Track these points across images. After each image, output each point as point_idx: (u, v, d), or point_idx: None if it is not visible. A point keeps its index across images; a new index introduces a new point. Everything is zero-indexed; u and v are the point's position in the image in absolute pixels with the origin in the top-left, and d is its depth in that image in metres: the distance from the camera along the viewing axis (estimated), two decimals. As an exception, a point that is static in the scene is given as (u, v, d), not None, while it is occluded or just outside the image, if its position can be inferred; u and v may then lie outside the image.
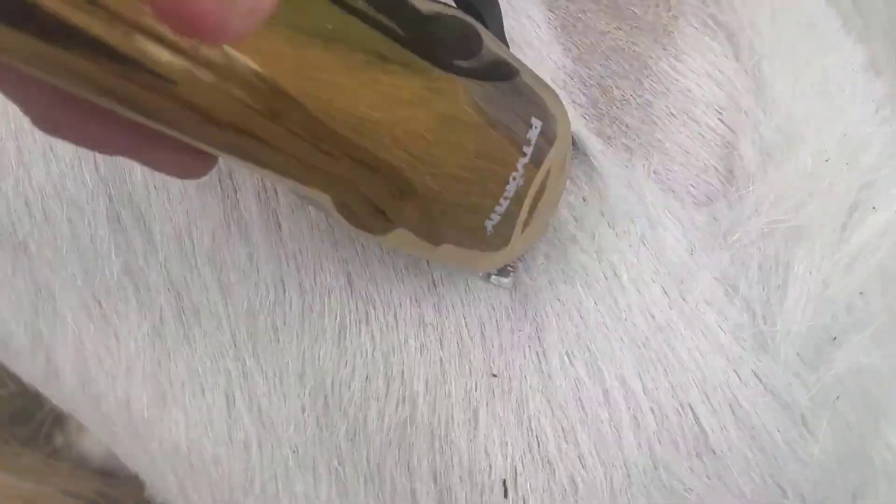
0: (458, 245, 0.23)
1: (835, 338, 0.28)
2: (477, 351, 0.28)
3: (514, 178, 0.22)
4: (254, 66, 0.17)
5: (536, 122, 0.22)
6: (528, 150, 0.22)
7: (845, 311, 0.28)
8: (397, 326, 0.28)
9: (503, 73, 0.22)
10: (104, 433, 0.35)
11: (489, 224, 0.23)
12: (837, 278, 0.28)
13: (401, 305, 0.28)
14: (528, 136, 0.22)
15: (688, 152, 0.28)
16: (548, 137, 0.23)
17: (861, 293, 0.28)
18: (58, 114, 0.17)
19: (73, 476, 0.44)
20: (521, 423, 0.28)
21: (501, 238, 0.24)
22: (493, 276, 0.28)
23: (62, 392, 0.34)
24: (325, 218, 0.28)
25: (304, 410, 0.30)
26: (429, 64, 0.20)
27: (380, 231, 0.22)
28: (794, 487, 0.28)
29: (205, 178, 0.28)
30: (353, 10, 0.19)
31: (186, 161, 0.19)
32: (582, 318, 0.28)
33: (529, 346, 0.28)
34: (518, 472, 0.28)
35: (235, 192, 0.28)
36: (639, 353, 0.28)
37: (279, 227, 0.29)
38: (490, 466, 0.28)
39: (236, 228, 0.29)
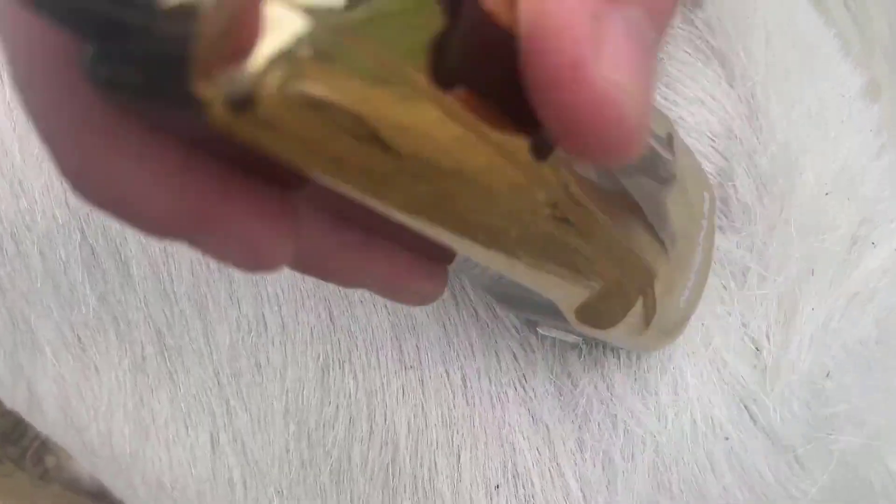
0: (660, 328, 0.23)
1: (828, 373, 0.27)
2: (458, 396, 0.27)
3: (699, 250, 0.23)
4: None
5: (705, 195, 0.24)
6: (703, 222, 0.24)
7: (842, 349, 0.27)
8: (379, 367, 0.28)
9: None
10: (88, 464, 0.35)
11: (682, 299, 0.24)
12: (837, 316, 0.27)
13: (382, 346, 0.28)
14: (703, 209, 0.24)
15: None
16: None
17: (858, 330, 0.27)
18: (323, 244, 0.16)
19: (64, 498, 0.44)
20: (507, 470, 0.27)
21: (683, 318, 0.24)
22: (572, 338, 0.27)
23: (45, 423, 0.34)
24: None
25: (288, 450, 0.29)
26: None
27: (610, 325, 0.21)
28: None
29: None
30: None
31: (425, 289, 0.18)
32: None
33: (516, 388, 0.27)
34: (505, 516, 0.27)
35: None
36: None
37: (259, 262, 0.28)
38: (476, 511, 0.27)
39: (215, 263, 0.28)
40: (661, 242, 0.21)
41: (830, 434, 0.27)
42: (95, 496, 0.44)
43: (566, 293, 0.19)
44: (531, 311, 0.22)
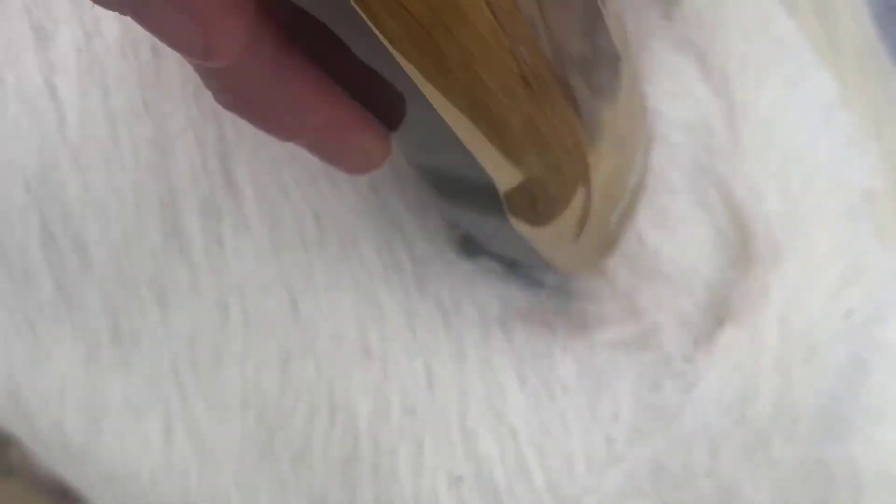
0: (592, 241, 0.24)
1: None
2: (421, 383, 0.28)
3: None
4: None
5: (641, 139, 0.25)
6: (639, 156, 0.25)
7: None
8: (342, 356, 0.28)
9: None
10: (42, 453, 0.35)
11: (614, 215, 0.24)
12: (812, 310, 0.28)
13: (345, 334, 0.28)
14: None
15: (660, 174, 0.28)
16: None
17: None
18: (251, 74, 0.15)
19: (28, 494, 0.43)
20: (469, 456, 0.28)
21: (614, 234, 0.26)
22: (545, 294, 0.28)
23: (-4, 412, 0.34)
24: (269, 239, 0.28)
25: (246, 439, 0.30)
26: None
27: (546, 220, 0.21)
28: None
29: (143, 198, 0.28)
30: None
31: (370, 146, 0.18)
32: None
33: (481, 380, 0.28)
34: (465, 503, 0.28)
35: (176, 212, 0.28)
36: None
37: (222, 249, 0.28)
38: (436, 500, 0.28)
39: (177, 250, 0.29)
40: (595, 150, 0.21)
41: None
42: (61, 495, 0.43)
43: (502, 167, 0.18)
44: (466, 201, 0.22)
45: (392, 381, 0.28)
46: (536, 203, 0.20)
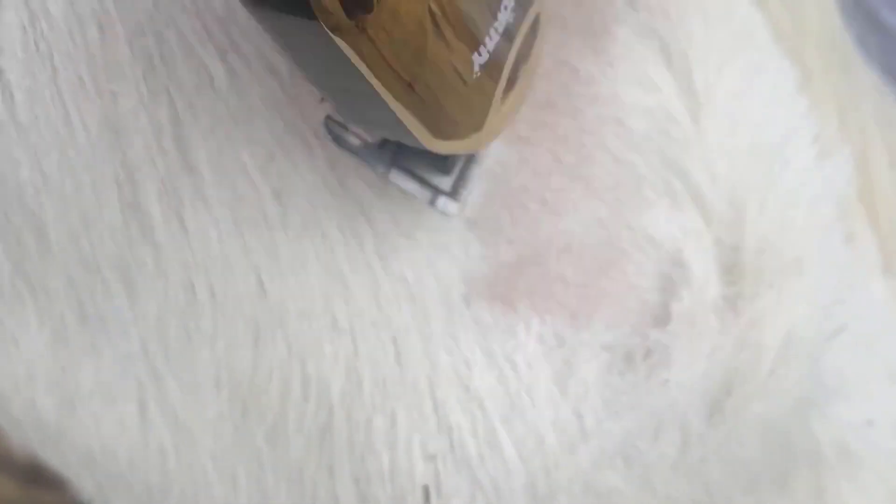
0: (435, 93, 0.20)
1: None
2: (390, 356, 0.29)
3: (505, 7, 0.20)
4: None
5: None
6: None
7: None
8: (311, 332, 0.29)
9: None
10: (18, 435, 0.36)
11: (477, 62, 0.20)
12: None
13: (313, 310, 0.29)
14: None
15: (618, 160, 0.29)
16: None
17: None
18: None
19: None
20: (441, 427, 0.29)
21: (483, 93, 0.21)
22: (441, 200, 0.26)
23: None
24: (232, 219, 0.28)
25: (221, 417, 0.30)
26: None
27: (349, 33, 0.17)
28: (719, 484, 0.30)
29: (99, 179, 0.28)
30: None
31: None
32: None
33: (447, 353, 0.29)
34: (440, 474, 0.29)
35: (134, 193, 0.28)
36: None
37: (185, 230, 0.29)
38: (411, 471, 0.29)
39: (138, 231, 0.29)
40: None
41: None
42: (31, 478, 0.44)
43: None
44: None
45: (362, 355, 0.29)
46: None
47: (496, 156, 0.29)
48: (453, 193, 0.27)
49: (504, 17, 0.20)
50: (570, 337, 0.29)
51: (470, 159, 0.27)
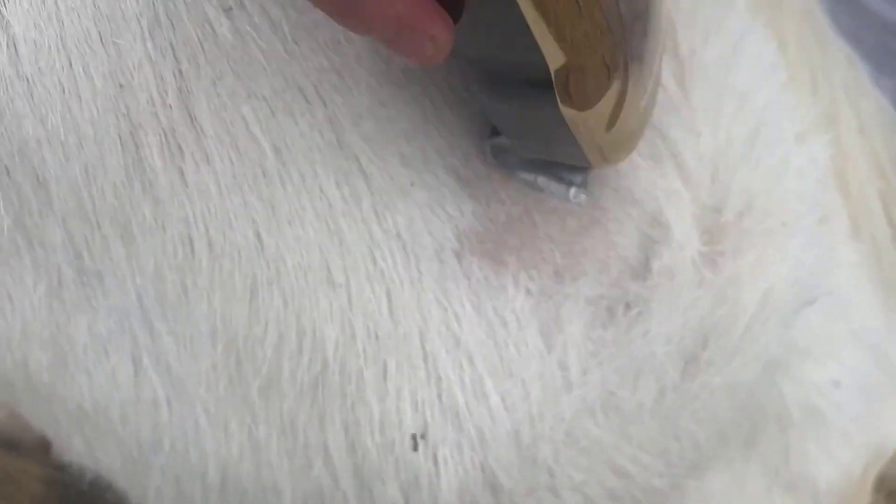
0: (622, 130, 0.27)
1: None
2: (383, 309, 0.30)
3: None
4: None
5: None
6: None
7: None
8: (308, 286, 0.30)
9: None
10: (5, 394, 0.36)
11: (642, 103, 0.27)
12: None
13: (310, 264, 0.30)
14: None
15: None
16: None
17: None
18: None
19: None
20: (430, 378, 0.31)
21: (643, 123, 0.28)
22: (573, 191, 0.30)
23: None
24: (231, 173, 0.30)
25: (215, 369, 0.32)
26: None
27: (589, 103, 0.25)
28: (690, 435, 0.32)
29: (102, 133, 0.29)
30: None
31: (441, 36, 0.22)
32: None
33: (438, 306, 0.30)
34: (428, 424, 0.31)
35: (137, 147, 0.29)
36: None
37: (185, 184, 0.30)
38: (400, 421, 0.31)
39: (139, 185, 0.30)
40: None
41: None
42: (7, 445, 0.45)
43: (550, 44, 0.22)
44: (516, 93, 0.26)
45: (356, 308, 0.30)
46: (582, 88, 0.24)
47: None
48: (582, 185, 0.31)
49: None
50: (556, 291, 0.31)
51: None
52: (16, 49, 0.29)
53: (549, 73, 0.23)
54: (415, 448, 0.31)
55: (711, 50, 0.30)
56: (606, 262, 0.31)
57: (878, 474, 0.42)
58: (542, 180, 0.30)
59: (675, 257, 0.30)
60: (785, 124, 0.31)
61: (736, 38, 0.31)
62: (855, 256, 0.38)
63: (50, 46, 0.29)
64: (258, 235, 0.30)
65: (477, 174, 0.31)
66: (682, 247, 0.30)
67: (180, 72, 0.29)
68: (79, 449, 0.37)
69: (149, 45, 0.29)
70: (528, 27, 0.21)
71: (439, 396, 0.30)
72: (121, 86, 0.29)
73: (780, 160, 0.31)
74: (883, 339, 0.40)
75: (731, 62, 0.30)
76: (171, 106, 0.29)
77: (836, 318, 0.38)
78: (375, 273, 0.30)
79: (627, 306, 0.31)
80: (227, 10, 0.29)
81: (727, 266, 0.30)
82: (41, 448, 0.40)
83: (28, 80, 0.29)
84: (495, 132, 0.30)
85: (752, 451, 0.38)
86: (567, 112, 0.24)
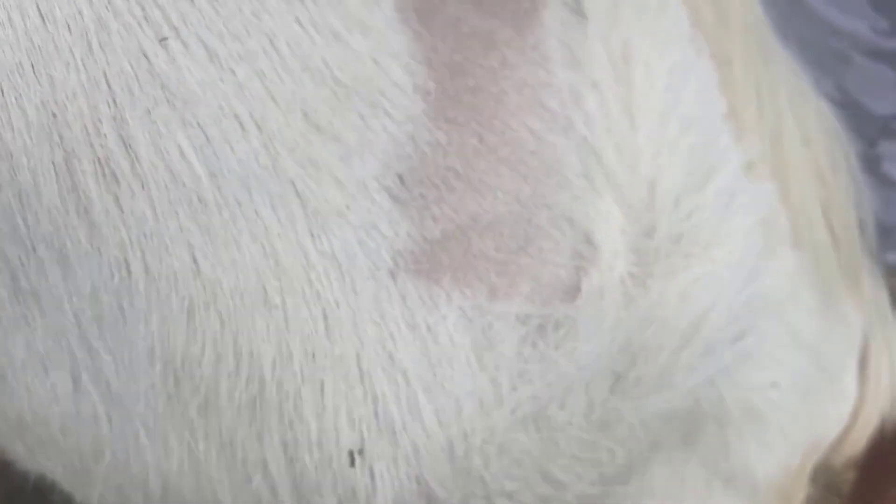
0: None
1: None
2: (320, 330, 0.33)
3: None
4: None
5: None
6: None
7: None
8: (244, 308, 0.33)
9: None
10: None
11: None
12: None
13: (246, 287, 0.33)
14: None
15: (542, 141, 0.33)
16: None
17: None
18: None
19: None
20: (367, 396, 0.33)
21: None
22: None
23: None
24: (167, 199, 0.32)
25: (154, 387, 0.34)
26: None
27: None
28: (621, 445, 0.36)
29: (37, 163, 0.31)
30: None
31: None
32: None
33: (374, 325, 0.33)
34: (365, 440, 0.34)
35: (71, 174, 0.31)
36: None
37: (121, 209, 0.32)
38: (338, 437, 0.34)
39: (74, 211, 0.32)
40: None
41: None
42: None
43: None
44: None
45: (293, 329, 0.33)
46: None
47: (423, 137, 0.33)
48: None
49: None
50: (489, 309, 0.34)
51: None
52: (-55, 77, 0.30)
53: None
54: (352, 464, 0.33)
55: (661, 76, 0.33)
56: (540, 281, 0.34)
57: (814, 466, 0.46)
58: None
59: (604, 277, 0.33)
60: (730, 155, 0.34)
61: (685, 64, 0.33)
62: (794, 262, 0.41)
63: (-20, 76, 0.30)
64: (194, 259, 0.32)
65: (411, 195, 0.33)
66: (611, 267, 0.33)
67: (114, 101, 0.31)
68: (21, 454, 0.39)
69: (82, 75, 0.30)
70: None
71: (375, 414, 0.33)
72: (54, 115, 0.31)
73: (722, 190, 0.34)
74: (820, 339, 0.43)
75: (676, 89, 0.33)
76: (105, 135, 0.31)
77: (775, 324, 0.41)
78: (311, 294, 0.33)
79: (557, 325, 0.34)
80: (163, 41, 0.30)
81: (655, 288, 0.33)
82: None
83: (-43, 107, 0.31)
84: None
85: (691, 447, 0.41)
86: None
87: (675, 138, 0.33)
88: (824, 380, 0.45)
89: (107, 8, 0.30)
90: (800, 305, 0.44)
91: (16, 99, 0.30)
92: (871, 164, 0.57)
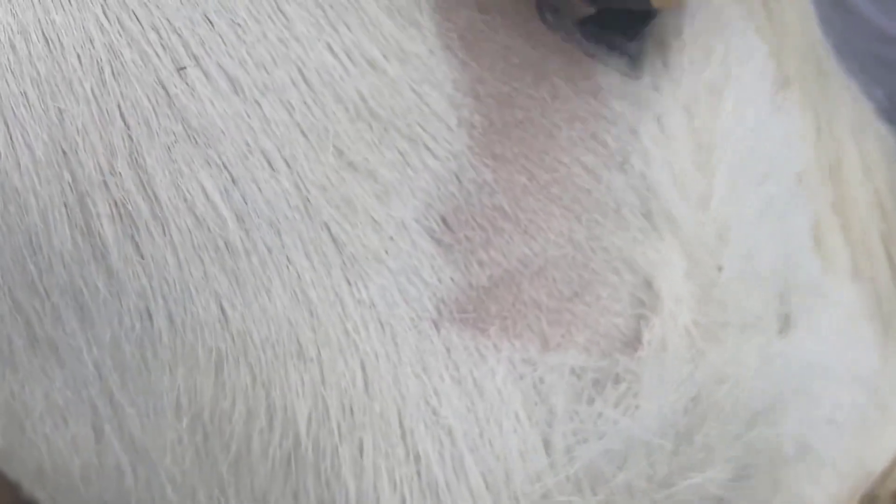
0: None
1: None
2: (358, 384, 0.29)
3: None
4: None
5: None
6: None
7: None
8: (276, 359, 0.29)
9: None
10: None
11: None
12: None
13: (279, 338, 0.28)
14: None
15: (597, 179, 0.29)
16: None
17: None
18: None
19: None
20: (409, 455, 0.29)
21: None
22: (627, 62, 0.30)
23: None
24: (191, 244, 0.27)
25: (181, 441, 0.30)
26: None
27: None
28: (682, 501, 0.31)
29: (47, 204, 0.27)
30: None
31: None
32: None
33: (416, 379, 0.29)
34: (406, 502, 0.30)
35: (87, 217, 0.27)
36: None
37: (140, 254, 0.28)
38: (378, 499, 0.29)
39: (90, 254, 0.28)
40: None
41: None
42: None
43: None
44: None
45: (329, 383, 0.29)
46: None
47: (468, 175, 0.29)
48: (637, 54, 0.29)
49: None
50: (541, 362, 0.29)
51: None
52: (-52, 112, 0.26)
53: None
54: (393, 527, 0.29)
55: (725, 112, 0.28)
56: (596, 330, 0.29)
57: (863, 494, 0.42)
58: (595, 47, 0.29)
59: (667, 327, 0.29)
60: (786, 189, 0.29)
61: (746, 98, 0.29)
62: (853, 296, 0.36)
63: (-16, 111, 0.26)
64: (222, 308, 0.28)
65: (456, 238, 0.29)
66: (674, 316, 0.29)
67: (130, 137, 0.26)
68: (44, 499, 0.35)
69: (94, 108, 0.26)
70: None
71: (418, 474, 0.29)
72: (64, 153, 0.26)
73: (791, 229, 0.29)
74: (877, 375, 0.39)
75: (736, 127, 0.28)
76: (121, 174, 0.27)
77: (833, 358, 0.37)
78: (348, 346, 0.29)
79: (617, 379, 0.29)
80: (181, 70, 0.26)
81: (730, 341, 0.28)
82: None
83: (-39, 146, 0.26)
84: None
85: (740, 486, 0.37)
86: None
87: (753, 184, 0.28)
88: (878, 414, 0.40)
89: (119, 34, 0.26)
90: (858, 340, 0.39)
91: (21, 134, 0.26)
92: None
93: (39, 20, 0.26)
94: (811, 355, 0.34)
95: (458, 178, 0.28)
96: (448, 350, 0.29)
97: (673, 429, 0.29)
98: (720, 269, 0.29)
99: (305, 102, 0.27)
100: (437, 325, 0.29)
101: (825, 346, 0.35)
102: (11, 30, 0.26)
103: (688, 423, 0.29)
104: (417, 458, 0.29)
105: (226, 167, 0.27)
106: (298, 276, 0.28)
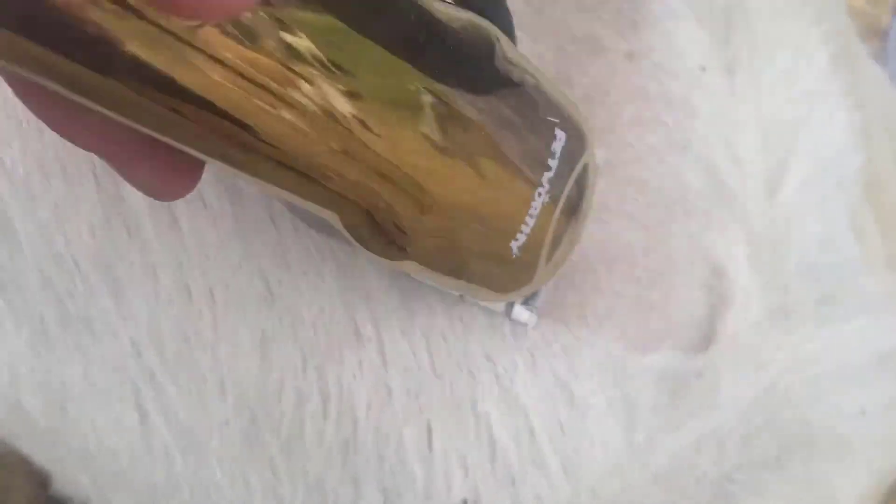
0: (482, 274, 0.20)
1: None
2: (424, 364, 0.23)
3: (539, 195, 0.19)
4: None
5: (560, 134, 0.19)
6: (553, 163, 0.19)
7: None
8: (329, 341, 0.23)
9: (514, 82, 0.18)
10: (7, 432, 0.30)
11: (515, 246, 0.19)
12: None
13: (332, 319, 0.23)
14: (552, 148, 0.19)
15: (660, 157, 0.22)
16: (573, 150, 0.19)
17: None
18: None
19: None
20: (481, 441, 0.24)
21: (527, 263, 0.20)
22: (515, 309, 0.23)
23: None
24: (232, 216, 0.22)
25: (227, 423, 0.25)
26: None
27: (394, 258, 0.18)
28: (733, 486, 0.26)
29: (72, 166, 0.21)
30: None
31: (170, 176, 0.16)
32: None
33: (489, 362, 0.23)
34: (480, 491, 0.24)
35: (116, 183, 0.22)
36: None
37: (177, 224, 0.22)
38: (449, 488, 0.24)
39: (121, 225, 0.22)
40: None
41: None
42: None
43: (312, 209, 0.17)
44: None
45: (391, 364, 0.23)
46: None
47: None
48: (526, 303, 0.24)
49: (538, 203, 0.19)
50: (621, 354, 0.23)
51: None
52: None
53: None
54: (466, 515, 0.24)
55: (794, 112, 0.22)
56: (672, 320, 0.23)
57: (890, 485, 0.36)
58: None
59: (739, 319, 0.23)
60: (842, 157, 0.23)
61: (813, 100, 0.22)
62: (888, 286, 0.30)
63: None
64: (266, 283, 0.22)
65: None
66: (745, 307, 0.23)
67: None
68: (86, 486, 0.30)
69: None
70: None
71: (492, 460, 0.24)
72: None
73: (835, 218, 0.23)
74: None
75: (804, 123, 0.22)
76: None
77: (864, 347, 0.31)
78: (412, 326, 0.23)
79: (698, 374, 0.23)
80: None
81: (798, 332, 0.23)
82: (38, 480, 0.34)
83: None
84: None
85: (777, 475, 0.31)
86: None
87: (820, 175, 0.22)
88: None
89: None
90: (891, 329, 0.33)
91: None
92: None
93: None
94: (848, 343, 0.28)
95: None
96: (521, 334, 0.23)
97: (743, 421, 0.23)
98: (782, 257, 0.23)
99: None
100: (508, 310, 0.23)
101: (860, 334, 0.29)
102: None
103: (757, 414, 0.23)
104: (493, 443, 0.23)
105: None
106: (353, 251, 0.22)
